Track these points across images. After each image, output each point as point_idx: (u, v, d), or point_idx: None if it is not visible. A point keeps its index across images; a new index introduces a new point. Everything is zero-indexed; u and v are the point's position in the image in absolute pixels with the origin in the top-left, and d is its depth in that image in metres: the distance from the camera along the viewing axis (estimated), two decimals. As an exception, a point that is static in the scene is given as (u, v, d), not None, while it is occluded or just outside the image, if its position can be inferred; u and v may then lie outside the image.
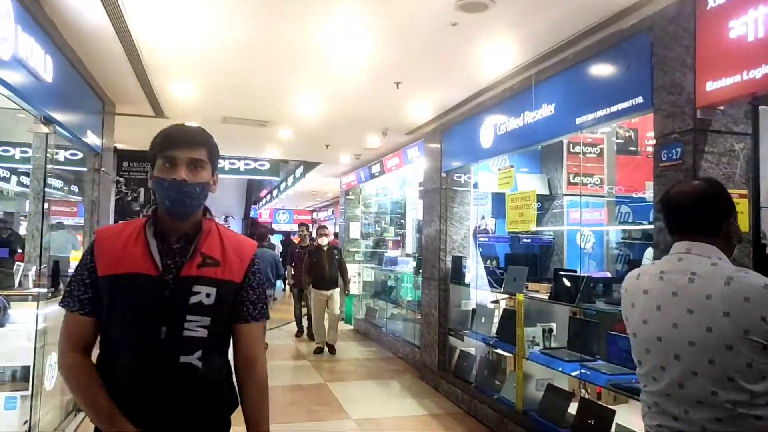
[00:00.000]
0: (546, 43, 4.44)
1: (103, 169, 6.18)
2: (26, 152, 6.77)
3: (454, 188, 6.96)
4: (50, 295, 4.83)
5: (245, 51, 4.84)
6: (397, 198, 13.15)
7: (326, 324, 8.83)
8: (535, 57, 4.70)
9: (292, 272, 9.98)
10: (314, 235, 9.34)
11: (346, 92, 5.90)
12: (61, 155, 6.49)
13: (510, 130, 5.42)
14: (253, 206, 20.26)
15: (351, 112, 6.69)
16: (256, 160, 10.66)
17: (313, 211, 26.48)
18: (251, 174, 10.82)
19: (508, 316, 5.62)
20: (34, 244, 5.85)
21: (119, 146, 9.64)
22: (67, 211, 10.42)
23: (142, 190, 11.08)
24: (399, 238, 13.42)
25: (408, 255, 11.78)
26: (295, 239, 14.68)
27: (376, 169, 9.91)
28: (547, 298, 5.09)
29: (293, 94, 6.06)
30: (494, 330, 5.90)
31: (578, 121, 4.41)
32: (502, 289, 5.69)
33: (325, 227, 9.08)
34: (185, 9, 4.04)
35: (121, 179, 10.91)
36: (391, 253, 13.00)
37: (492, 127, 5.75)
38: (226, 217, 16.07)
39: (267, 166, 10.74)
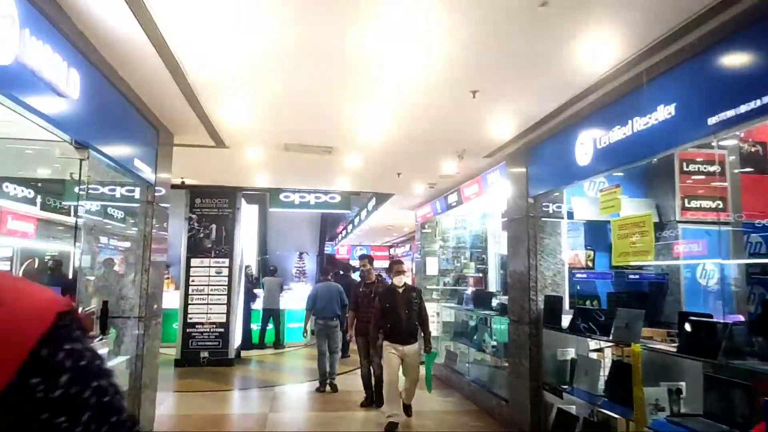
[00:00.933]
0: (661, 26, 3.51)
1: (160, 203, 5.78)
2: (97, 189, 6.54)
3: (544, 216, 6.00)
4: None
5: (299, 63, 4.25)
6: (477, 231, 12.24)
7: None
8: (646, 46, 3.76)
9: (355, 319, 7.62)
10: (388, 272, 7.50)
11: (416, 107, 5.17)
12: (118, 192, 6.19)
13: (613, 143, 4.45)
14: (329, 242, 19.92)
15: (423, 131, 5.95)
16: (326, 192, 10.15)
17: (390, 246, 25.86)
18: (322, 207, 10.31)
19: (619, 370, 4.54)
20: (85, 283, 5.50)
21: (189, 181, 9.45)
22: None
23: (213, 226, 10.86)
24: (480, 275, 12.44)
25: (491, 293, 10.78)
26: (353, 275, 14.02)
27: (452, 198, 9.08)
28: (672, 349, 4.00)
29: (357, 113, 5.41)
30: (601, 386, 4.81)
31: (711, 121, 3.41)
32: (611, 337, 4.62)
33: (400, 263, 6.92)
34: (223, 18, 3.50)
35: (194, 216, 10.75)
36: (471, 291, 12.05)
37: (589, 140, 4.80)
38: (301, 253, 15.74)
39: (338, 199, 10.20)
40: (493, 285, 12.16)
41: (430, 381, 6.90)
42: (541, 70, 4.25)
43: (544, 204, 5.97)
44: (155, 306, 5.73)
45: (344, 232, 18.76)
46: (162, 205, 5.89)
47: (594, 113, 4.77)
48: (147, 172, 5.37)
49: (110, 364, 4.77)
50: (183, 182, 9.23)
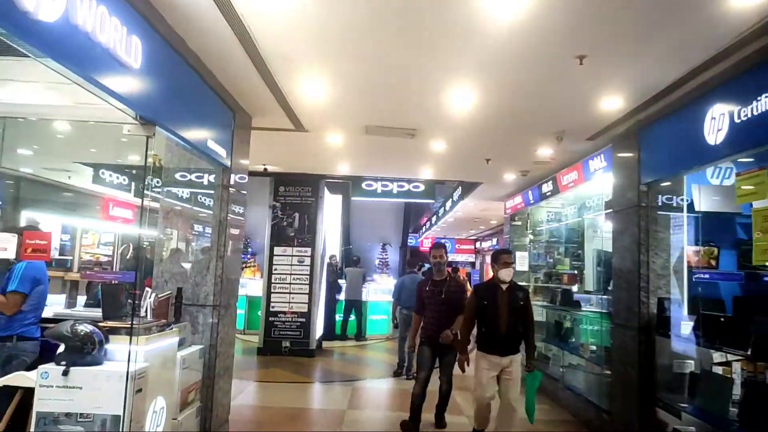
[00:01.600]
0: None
1: (237, 188, 5.56)
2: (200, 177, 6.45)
3: (659, 207, 5.18)
4: (159, 329, 4.14)
5: (378, 26, 3.79)
6: (572, 224, 11.31)
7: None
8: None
9: (421, 323, 5.95)
10: (493, 263, 5.33)
11: (512, 78, 4.54)
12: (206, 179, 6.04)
13: (760, 114, 3.62)
14: (413, 234, 19.49)
15: (517, 108, 5.31)
16: (409, 181, 9.70)
17: (476, 240, 25.06)
18: (405, 197, 9.87)
19: (758, 391, 3.74)
20: (162, 269, 5.38)
21: (271, 168, 9.32)
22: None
23: (297, 215, 10.74)
24: (575, 272, 11.50)
25: (588, 292, 9.88)
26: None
27: (547, 188, 8.31)
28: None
29: (445, 88, 4.86)
30: (732, 408, 4.02)
31: None
32: (749, 350, 3.81)
33: (509, 252, 5.45)
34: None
35: (277, 204, 10.68)
36: (566, 289, 11.15)
37: (724, 114, 3.99)
38: (384, 244, 15.42)
39: (421, 188, 9.71)
40: (590, 283, 11.22)
41: (533, 409, 5.26)
42: (670, 22, 3.50)
43: (661, 189, 5.15)
44: (231, 293, 5.53)
45: (428, 224, 18.25)
46: (239, 190, 5.67)
47: (731, 81, 3.94)
48: (222, 155, 5.14)
49: (183, 353, 4.58)
50: (265, 169, 9.11)
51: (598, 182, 6.60)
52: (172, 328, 4.36)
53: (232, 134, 5.47)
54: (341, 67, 4.55)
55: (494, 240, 21.11)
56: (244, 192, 5.89)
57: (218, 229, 5.27)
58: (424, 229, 19.53)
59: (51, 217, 14.63)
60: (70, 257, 15.13)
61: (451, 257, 24.39)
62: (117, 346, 3.84)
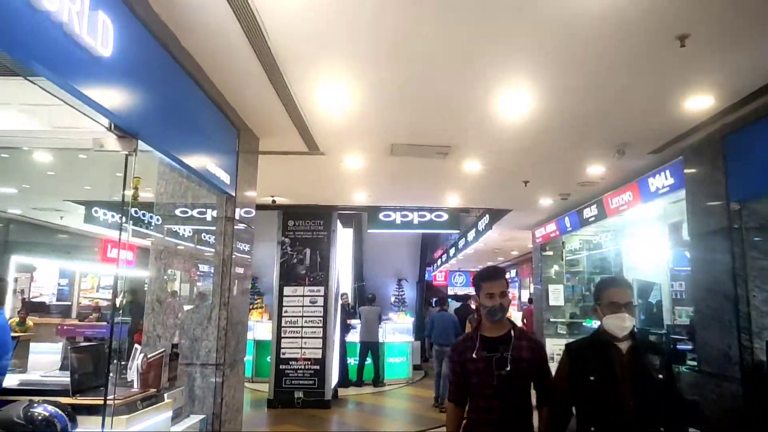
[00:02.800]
0: None
1: (243, 221, 4.68)
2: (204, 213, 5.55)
3: (757, 228, 4.26)
4: (147, 401, 3.21)
5: (425, 19, 2.96)
6: (605, 252, 10.39)
7: None
8: None
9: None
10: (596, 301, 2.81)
11: (586, 73, 3.68)
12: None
13: None
14: (426, 268, 18.50)
15: (578, 115, 4.45)
16: (432, 210, 8.81)
17: (492, 272, 23.97)
18: (426, 227, 8.97)
19: None
20: (154, 321, 4.46)
21: (280, 200, 8.46)
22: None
23: (308, 251, 9.83)
24: (612, 305, 10.51)
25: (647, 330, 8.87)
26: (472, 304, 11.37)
27: (590, 212, 7.41)
28: None
29: (494, 92, 4.01)
30: None
31: None
32: None
33: (624, 286, 2.81)
34: None
35: (287, 240, 9.79)
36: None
37: None
38: (400, 280, 14.45)
39: (445, 217, 8.82)
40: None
41: None
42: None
43: (755, 212, 4.24)
44: (237, 348, 4.59)
45: (445, 257, 17.31)
46: (245, 223, 4.79)
47: None
48: (225, 181, 4.28)
49: (178, 428, 3.63)
50: (273, 201, 8.26)
51: (667, 201, 5.69)
52: (163, 401, 3.41)
53: (236, 157, 4.62)
54: (371, 71, 3.72)
55: (513, 272, 20.08)
56: (251, 226, 5.01)
57: (221, 269, 4.37)
58: (439, 262, 18.58)
59: (48, 261, 13.81)
60: (69, 302, 14.21)
61: (465, 290, 23.34)
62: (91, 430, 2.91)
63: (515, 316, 17.94)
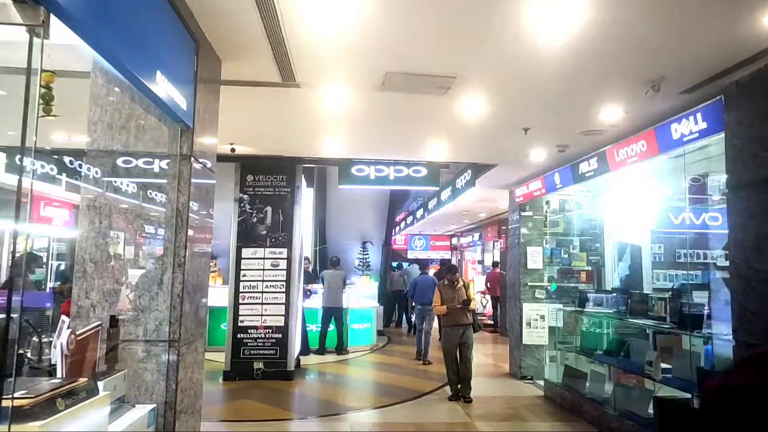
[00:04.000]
0: None
1: (201, 160, 3.70)
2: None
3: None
4: (73, 398, 2.28)
5: None
6: (588, 214, 9.87)
7: None
8: None
9: None
10: None
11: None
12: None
13: None
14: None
15: (618, 33, 3.64)
16: (409, 165, 7.95)
17: (452, 236, 23.56)
18: (403, 183, 8.12)
19: None
20: (86, 286, 3.45)
21: (239, 148, 7.40)
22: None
23: (269, 209, 8.86)
24: (590, 269, 10.07)
25: (607, 291, 8.44)
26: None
27: (588, 166, 6.72)
28: None
29: (516, 3, 3.15)
30: None
31: None
32: None
33: None
34: None
35: (245, 196, 8.77)
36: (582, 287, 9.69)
37: None
38: (364, 242, 13.64)
39: (424, 172, 7.99)
40: (609, 281, 9.80)
41: None
42: None
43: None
44: (196, 320, 3.66)
45: (411, 218, 16.57)
46: (206, 165, 3.81)
47: None
48: (181, 105, 3.28)
49: (119, 425, 2.72)
50: (233, 149, 7.19)
51: (697, 149, 5.03)
52: (97, 393, 2.48)
53: (194, 78, 3.60)
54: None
55: (476, 235, 19.62)
56: (213, 170, 4.03)
57: (176, 222, 3.40)
58: (403, 224, 17.86)
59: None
60: (-4, 267, 12.72)
61: (425, 254, 22.82)
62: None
63: (479, 279, 17.54)
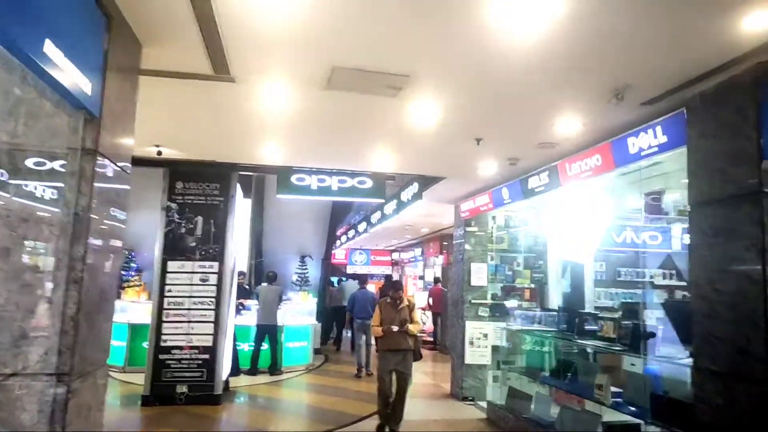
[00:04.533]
0: None
1: (110, 157, 3.12)
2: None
3: (789, 194, 3.45)
4: None
5: None
6: (533, 231, 9.73)
7: None
8: None
9: None
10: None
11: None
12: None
13: None
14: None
15: (586, 34, 3.36)
16: (354, 175, 7.51)
17: (393, 251, 23.24)
18: (347, 195, 7.66)
19: None
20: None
21: (167, 152, 6.74)
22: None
23: (200, 219, 8.17)
24: (533, 286, 9.92)
25: (549, 310, 8.27)
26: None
27: (538, 181, 6.50)
28: None
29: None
30: None
31: None
32: None
33: None
34: None
35: (173, 205, 8.06)
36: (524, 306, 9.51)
37: None
38: (303, 256, 13.04)
39: (369, 184, 7.56)
40: (554, 300, 9.67)
41: None
42: None
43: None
44: (97, 348, 3.04)
45: (352, 233, 16.08)
46: (115, 163, 3.22)
47: None
48: (83, 88, 2.71)
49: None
50: (159, 152, 6.52)
51: (656, 164, 4.84)
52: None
53: (104, 59, 3.03)
54: None
55: (417, 251, 19.38)
56: (127, 171, 3.44)
57: (72, 230, 2.80)
58: (344, 239, 17.33)
59: None
60: None
61: (366, 269, 22.38)
62: None
63: (421, 296, 17.23)
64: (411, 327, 6.61)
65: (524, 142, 5.62)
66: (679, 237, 9.56)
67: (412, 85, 4.12)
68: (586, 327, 6.24)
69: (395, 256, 23.25)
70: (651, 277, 10.44)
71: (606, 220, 8.97)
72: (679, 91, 4.06)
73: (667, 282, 10.37)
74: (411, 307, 6.76)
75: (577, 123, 4.81)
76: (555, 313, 7.47)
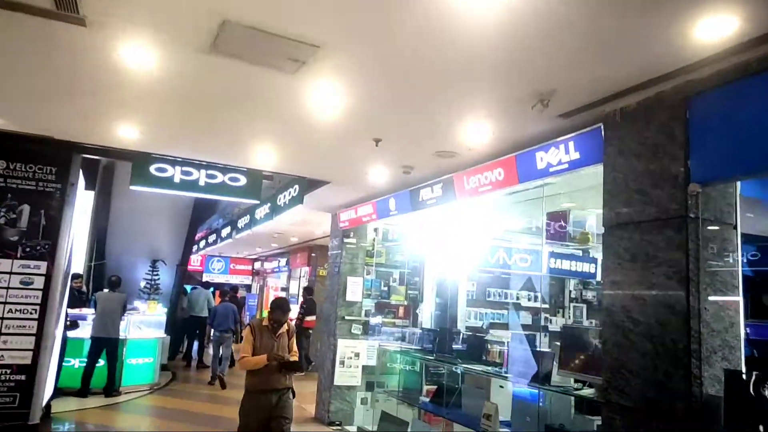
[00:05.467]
0: None
1: None
2: None
3: (710, 221, 3.31)
4: None
5: None
6: (411, 246, 9.41)
7: None
8: None
9: None
10: None
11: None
12: None
13: None
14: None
15: (512, 34, 2.94)
16: (226, 170, 6.58)
17: (255, 260, 21.97)
18: (216, 192, 6.68)
19: None
20: None
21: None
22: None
23: (25, 208, 6.67)
24: (408, 303, 9.60)
25: (424, 329, 7.98)
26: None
27: (430, 193, 6.10)
28: None
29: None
30: None
31: None
32: None
33: None
34: None
35: (-9, 188, 6.49)
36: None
37: None
38: (155, 261, 11.54)
39: (242, 181, 6.66)
40: (428, 319, 9.40)
41: None
42: None
43: (725, 193, 3.30)
44: None
45: (213, 237, 14.73)
46: None
47: None
48: None
49: None
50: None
51: (565, 180, 4.60)
52: None
53: None
54: None
55: (282, 261, 18.40)
56: None
57: None
58: (203, 243, 15.83)
59: None
60: None
61: (224, 278, 20.88)
62: None
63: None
64: (292, 358, 5.12)
65: (423, 148, 5.17)
66: (547, 260, 9.89)
67: (319, 61, 3.43)
68: (470, 350, 5.94)
69: (257, 265, 21.98)
70: (517, 298, 10.68)
71: (486, 239, 8.95)
72: (599, 105, 3.83)
73: (531, 304, 10.69)
74: (291, 334, 5.23)
75: (486, 130, 4.44)
76: (431, 332, 7.12)
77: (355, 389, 8.44)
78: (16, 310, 6.50)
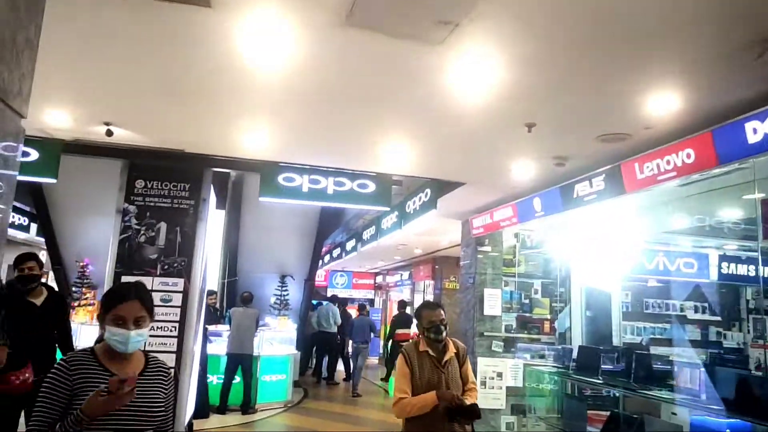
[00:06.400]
0: None
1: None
2: None
3: None
4: None
5: None
6: (549, 252, 8.49)
7: None
8: None
9: None
10: None
11: None
12: None
13: None
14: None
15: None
16: (354, 176, 6.16)
17: (377, 274, 21.79)
18: (345, 200, 6.28)
19: None
20: None
21: (120, 133, 5.31)
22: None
23: (163, 226, 6.71)
24: (550, 317, 8.64)
25: (580, 347, 7.00)
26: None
27: (588, 187, 5.20)
28: None
29: None
30: None
31: None
32: None
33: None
34: None
35: (132, 207, 6.60)
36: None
37: None
38: (284, 276, 11.56)
39: (371, 188, 6.20)
40: (577, 334, 8.36)
41: None
42: None
43: None
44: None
45: (338, 251, 14.66)
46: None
47: None
48: None
49: None
50: (109, 131, 5.07)
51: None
52: None
53: None
54: None
55: (405, 274, 17.98)
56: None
57: None
58: (327, 258, 15.87)
59: None
60: None
61: (347, 293, 20.87)
62: None
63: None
64: (471, 396, 3.36)
65: (584, 133, 4.35)
66: (716, 265, 8.48)
67: (475, 21, 2.80)
68: (648, 373, 4.95)
69: (379, 279, 21.78)
70: (681, 309, 9.30)
71: (638, 242, 7.85)
72: None
73: (699, 316, 9.25)
74: (463, 359, 3.49)
75: (675, 101, 3.55)
76: (587, 350, 6.16)
77: (499, 413, 7.64)
78: (158, 327, 6.50)
